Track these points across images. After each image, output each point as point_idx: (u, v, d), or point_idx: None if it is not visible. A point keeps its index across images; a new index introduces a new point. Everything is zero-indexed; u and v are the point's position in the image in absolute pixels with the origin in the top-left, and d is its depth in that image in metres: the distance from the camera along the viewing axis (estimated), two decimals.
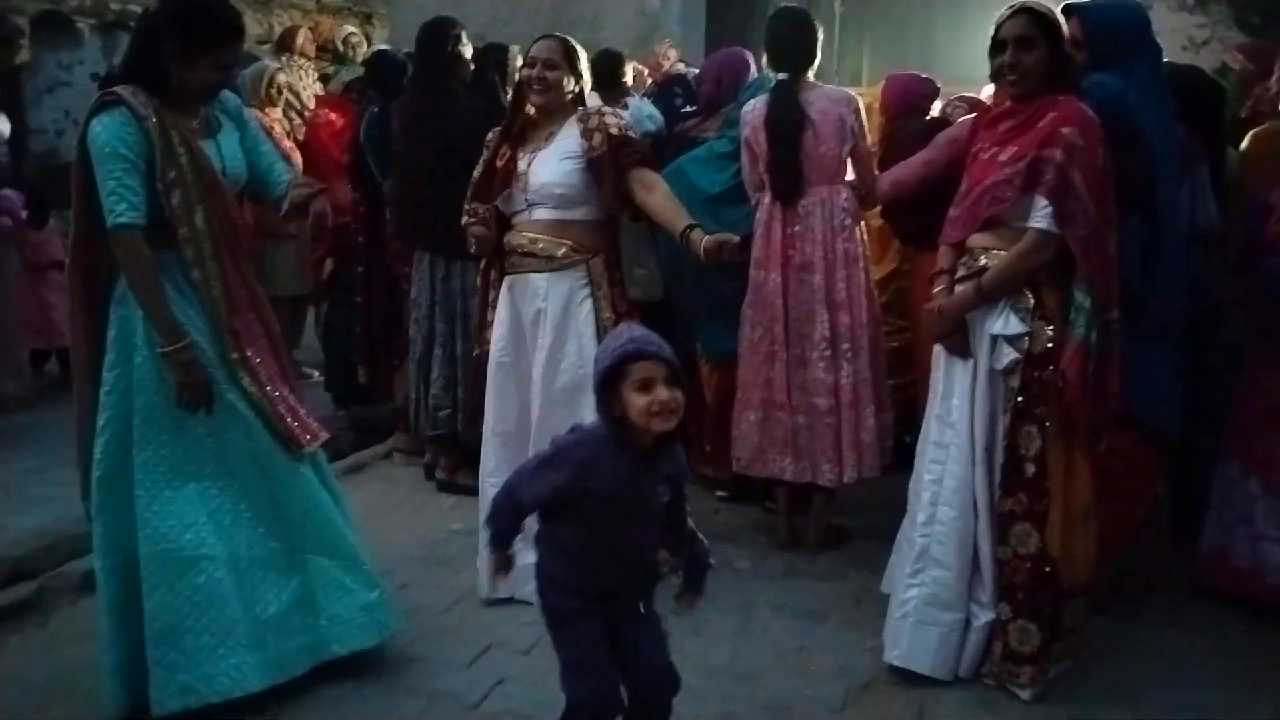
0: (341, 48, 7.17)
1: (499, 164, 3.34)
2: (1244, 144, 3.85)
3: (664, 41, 7.09)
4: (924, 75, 4.32)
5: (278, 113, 5.57)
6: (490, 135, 3.44)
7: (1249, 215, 3.42)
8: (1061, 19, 2.89)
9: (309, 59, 6.96)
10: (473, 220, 3.30)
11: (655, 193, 3.25)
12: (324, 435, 2.96)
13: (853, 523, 4.00)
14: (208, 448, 2.75)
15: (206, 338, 2.72)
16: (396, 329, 4.63)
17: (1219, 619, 3.41)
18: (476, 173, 3.41)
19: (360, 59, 6.68)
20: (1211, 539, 3.53)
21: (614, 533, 2.23)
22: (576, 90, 3.34)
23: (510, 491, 2.28)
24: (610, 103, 4.50)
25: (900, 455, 3.80)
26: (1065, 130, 2.74)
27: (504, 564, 2.38)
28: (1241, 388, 3.50)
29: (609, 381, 2.12)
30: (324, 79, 6.92)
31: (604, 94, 4.55)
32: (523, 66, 3.35)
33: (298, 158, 5.42)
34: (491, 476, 3.40)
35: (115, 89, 2.64)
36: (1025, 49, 2.81)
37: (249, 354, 2.77)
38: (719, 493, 4.34)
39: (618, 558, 2.28)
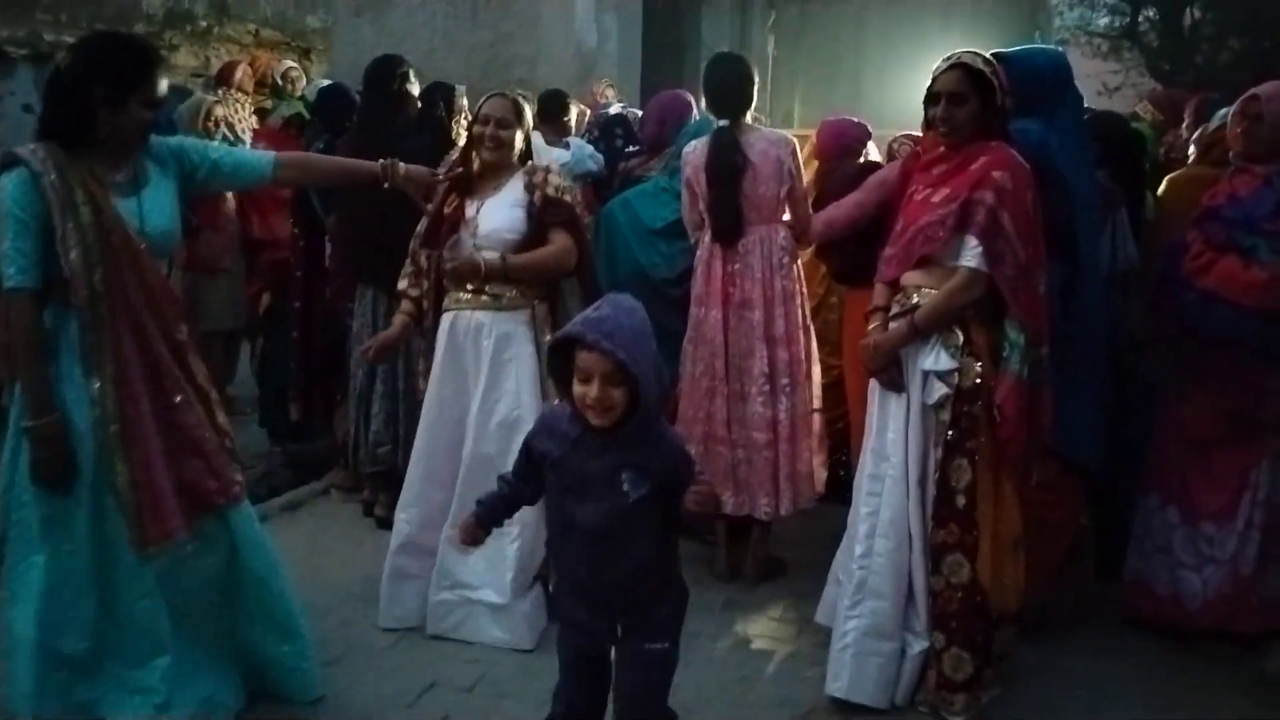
0: (280, 82, 7.13)
1: (446, 211, 3.44)
2: (1160, 188, 4.03)
3: (601, 80, 7.17)
4: (856, 119, 4.45)
5: None
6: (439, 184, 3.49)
7: (1166, 255, 3.57)
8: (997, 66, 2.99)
9: (246, 94, 6.90)
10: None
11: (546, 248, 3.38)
12: (180, 535, 2.66)
13: (789, 555, 4.05)
14: (77, 517, 2.65)
15: (89, 406, 2.59)
16: (336, 365, 4.61)
17: (1142, 645, 3.53)
18: (424, 221, 3.49)
19: (299, 94, 6.66)
20: (1134, 568, 3.65)
21: (569, 510, 2.23)
22: (524, 147, 3.46)
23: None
24: (553, 141, 4.59)
25: (833, 488, 3.89)
26: (996, 174, 2.85)
27: (472, 534, 2.41)
28: (1160, 421, 3.63)
29: (564, 352, 2.15)
30: (260, 113, 6.87)
31: (547, 132, 4.63)
32: (473, 122, 3.45)
33: (226, 196, 5.41)
34: (408, 509, 3.47)
35: (15, 150, 2.57)
36: (957, 104, 2.93)
37: (129, 430, 2.60)
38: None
39: (587, 551, 2.23)
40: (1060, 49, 3.59)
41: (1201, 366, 3.48)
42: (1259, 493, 3.44)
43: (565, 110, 4.94)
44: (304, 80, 7.25)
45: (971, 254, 2.87)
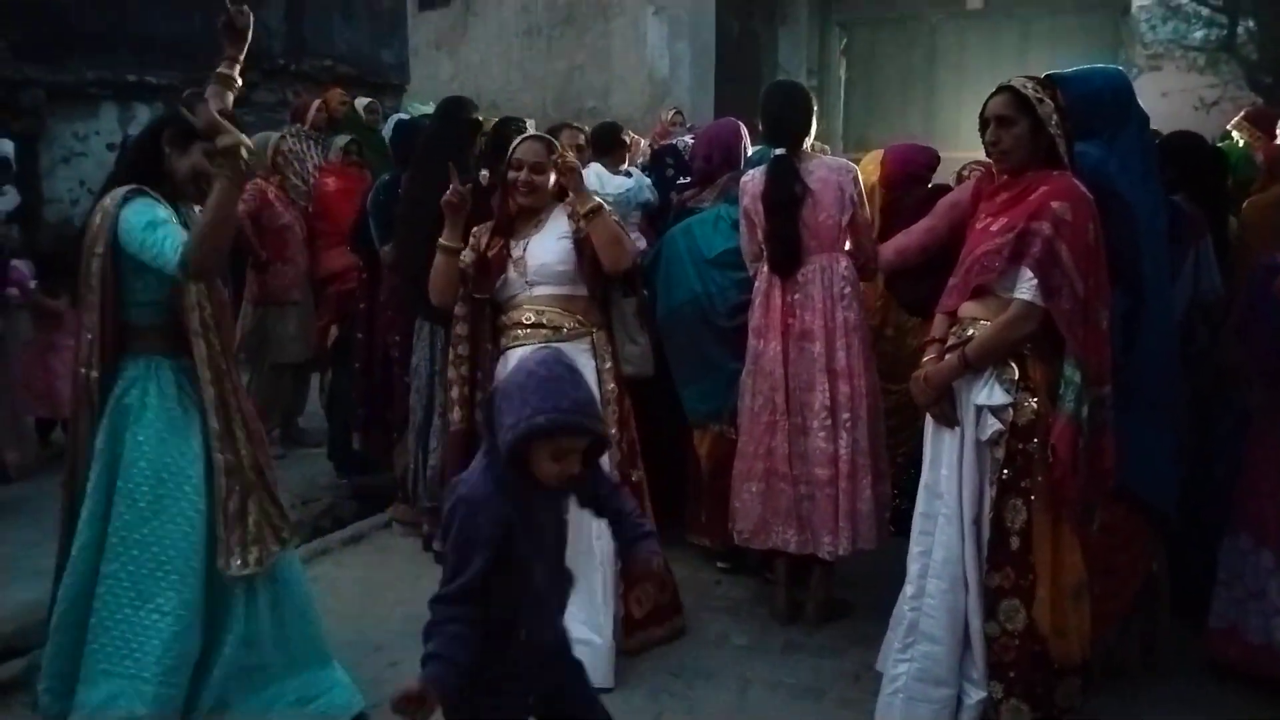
0: (364, 115, 7.22)
1: (490, 254, 3.45)
2: (1243, 211, 3.83)
3: (669, 109, 7.14)
4: (923, 144, 4.32)
5: (277, 179, 5.63)
6: (476, 228, 3.52)
7: (1253, 280, 3.38)
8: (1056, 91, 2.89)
9: (318, 131, 7.05)
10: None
11: None
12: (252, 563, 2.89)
13: (854, 596, 3.92)
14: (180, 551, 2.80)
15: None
16: (391, 398, 4.62)
17: (1230, 698, 3.31)
18: (468, 267, 3.48)
19: (379, 128, 6.77)
20: (1221, 614, 3.43)
21: (530, 573, 2.10)
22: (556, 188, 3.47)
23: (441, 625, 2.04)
24: (612, 171, 4.56)
25: (901, 523, 3.74)
26: (1055, 204, 2.75)
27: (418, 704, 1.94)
28: (1251, 457, 3.42)
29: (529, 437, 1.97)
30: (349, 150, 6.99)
31: (607, 164, 4.61)
32: (507, 167, 3.44)
33: (295, 230, 5.51)
34: None
35: (128, 186, 2.78)
36: (1005, 126, 2.86)
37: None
38: (720, 564, 4.27)
39: (552, 607, 2.22)
40: (1119, 68, 3.41)
41: None
42: None
43: (619, 142, 4.91)
44: (378, 114, 7.38)
45: (1026, 286, 2.76)
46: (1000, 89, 2.90)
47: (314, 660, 3.10)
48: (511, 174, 3.40)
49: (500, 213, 3.49)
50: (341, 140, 6.06)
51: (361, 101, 7.37)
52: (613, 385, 3.43)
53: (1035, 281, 2.74)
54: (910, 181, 4.17)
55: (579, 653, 3.24)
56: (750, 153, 4.08)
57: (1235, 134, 5.26)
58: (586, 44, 9.30)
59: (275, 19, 8.36)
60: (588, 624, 3.28)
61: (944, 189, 3.97)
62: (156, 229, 2.67)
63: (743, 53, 10.53)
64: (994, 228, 2.87)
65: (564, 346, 3.30)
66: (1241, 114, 5.18)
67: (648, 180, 4.54)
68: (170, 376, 2.87)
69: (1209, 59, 15.11)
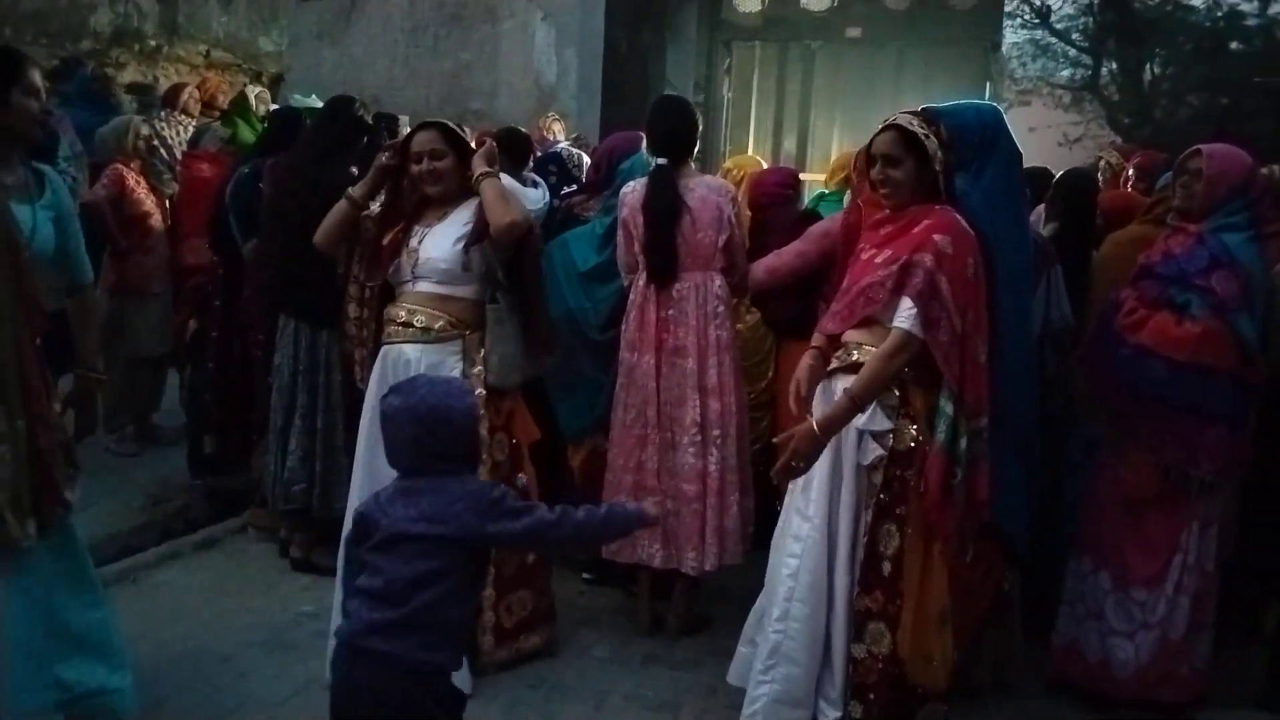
0: (254, 103, 6.94)
1: (386, 241, 3.37)
2: (1102, 247, 3.99)
3: (548, 116, 7.10)
4: (782, 167, 4.42)
5: (140, 167, 5.38)
6: (368, 213, 3.42)
7: (1100, 313, 3.54)
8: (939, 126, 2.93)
9: (191, 116, 6.79)
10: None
11: None
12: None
13: (713, 608, 3.94)
14: None
15: None
16: (251, 399, 4.46)
17: (1070, 714, 3.43)
18: (362, 254, 3.41)
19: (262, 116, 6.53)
20: (1064, 632, 3.56)
21: None
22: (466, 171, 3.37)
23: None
24: (515, 178, 4.48)
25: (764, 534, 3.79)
26: (937, 237, 2.80)
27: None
28: (1093, 482, 3.56)
29: None
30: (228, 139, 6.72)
31: (511, 170, 4.53)
32: (406, 160, 3.35)
33: (156, 218, 5.28)
34: None
35: None
36: (892, 165, 2.89)
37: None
38: (584, 575, 4.25)
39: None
40: (992, 103, 3.51)
41: (1136, 423, 3.40)
42: (1189, 556, 3.37)
43: (528, 148, 4.81)
44: (269, 103, 7.13)
45: (905, 315, 2.79)
46: (886, 127, 2.91)
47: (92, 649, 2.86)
48: (414, 167, 3.31)
49: (393, 202, 3.41)
50: (224, 131, 5.84)
51: (254, 89, 7.09)
52: (482, 390, 3.33)
53: (915, 311, 2.77)
54: (772, 202, 4.23)
55: None
56: (626, 162, 4.06)
57: (1104, 158, 5.55)
58: (473, 44, 9.18)
59: (148, 1, 8.04)
60: None
61: (814, 215, 4.05)
62: None
63: (631, 64, 10.56)
64: (878, 259, 2.91)
65: (432, 348, 3.28)
66: (1113, 145, 5.46)
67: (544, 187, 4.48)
68: None
69: (1074, 97, 15.84)
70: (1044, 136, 13.90)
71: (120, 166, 5.20)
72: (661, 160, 3.68)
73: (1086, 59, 15.44)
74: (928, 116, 2.96)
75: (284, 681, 3.31)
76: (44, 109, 2.83)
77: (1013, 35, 15.05)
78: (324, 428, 4.14)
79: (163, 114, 6.66)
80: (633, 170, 3.95)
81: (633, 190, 3.74)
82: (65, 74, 6.90)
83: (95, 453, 5.26)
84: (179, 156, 6.08)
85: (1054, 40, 15.72)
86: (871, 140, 2.97)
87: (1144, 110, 13.35)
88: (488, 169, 3.30)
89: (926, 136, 2.86)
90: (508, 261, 3.35)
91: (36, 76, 2.71)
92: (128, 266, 5.23)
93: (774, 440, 3.29)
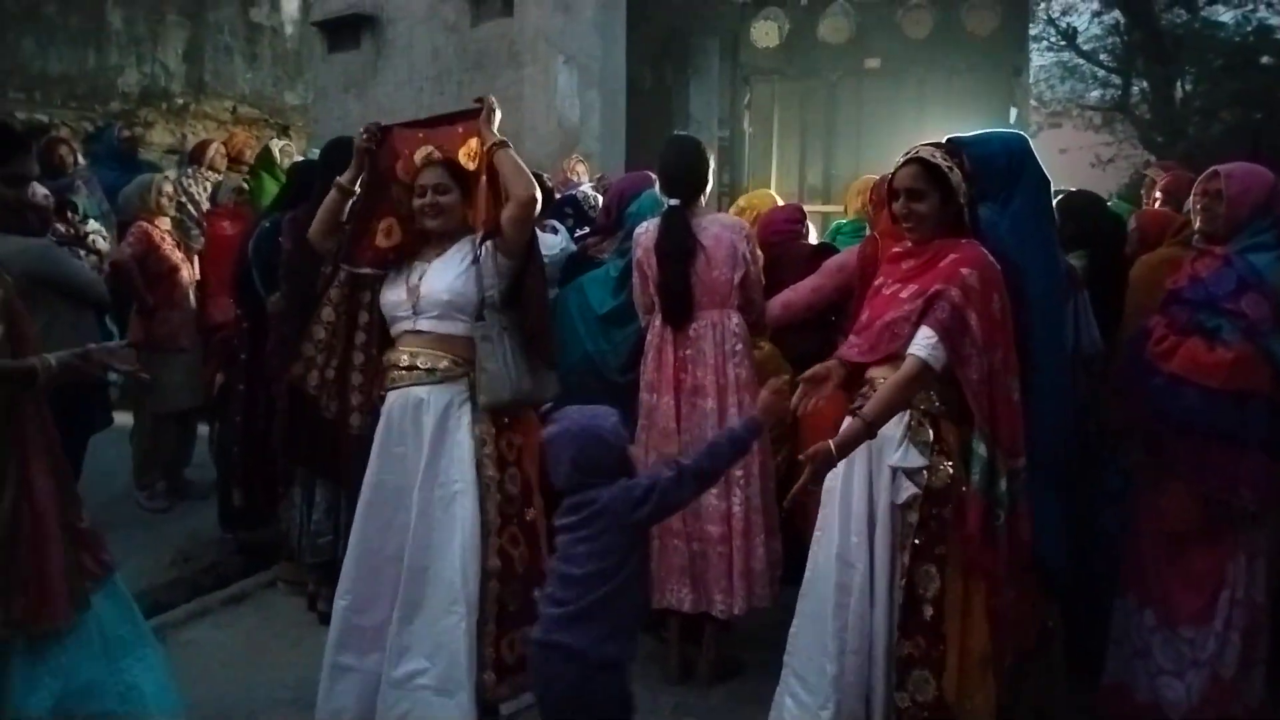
0: (278, 157, 7.03)
1: (379, 239, 3.37)
2: (1133, 270, 3.90)
3: (571, 157, 7.11)
4: (788, 204, 4.39)
5: (166, 224, 5.45)
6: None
7: (1131, 340, 3.44)
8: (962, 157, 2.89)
9: (218, 172, 6.87)
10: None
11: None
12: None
13: (745, 653, 3.84)
14: None
15: None
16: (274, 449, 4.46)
17: None
18: (343, 234, 3.43)
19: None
20: (1113, 672, 3.46)
21: None
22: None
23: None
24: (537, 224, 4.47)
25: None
26: (964, 271, 2.75)
27: None
28: (1134, 516, 3.45)
29: None
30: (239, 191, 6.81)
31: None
32: (411, 195, 3.33)
33: (185, 271, 5.33)
34: (345, 597, 3.31)
35: None
36: (916, 199, 2.85)
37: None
38: None
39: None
40: (1018, 131, 3.45)
41: (1173, 454, 3.30)
42: (1237, 590, 3.25)
43: (550, 193, 4.78)
44: (293, 156, 7.21)
45: (922, 344, 2.73)
46: (909, 160, 2.87)
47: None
48: (417, 202, 3.30)
49: (372, 180, 3.37)
50: (233, 181, 5.90)
51: (277, 143, 7.20)
52: (488, 426, 3.28)
53: (934, 340, 2.71)
54: (782, 239, 4.19)
55: (431, 703, 3.16)
56: (634, 205, 4.03)
57: (1149, 175, 5.45)
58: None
59: (174, 59, 8.18)
60: (439, 673, 3.16)
61: (830, 249, 4.00)
62: None
63: (654, 103, 10.59)
64: (903, 294, 2.85)
65: (440, 388, 3.25)
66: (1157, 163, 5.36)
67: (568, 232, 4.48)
68: None
69: (1104, 118, 15.72)
70: (1076, 158, 13.79)
71: (145, 224, 5.27)
72: (674, 201, 3.65)
73: (1115, 79, 15.37)
74: (950, 147, 2.91)
75: None
76: (19, 200, 2.83)
77: (1039, 58, 15.03)
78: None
79: (189, 170, 6.75)
80: (641, 211, 3.93)
81: (646, 231, 3.71)
82: (94, 135, 7.03)
83: (127, 508, 5.34)
84: (203, 211, 6.15)
85: (1081, 62, 15.64)
86: (894, 174, 2.93)
87: (1177, 128, 13.22)
88: (500, 138, 3.26)
89: (950, 169, 2.81)
90: (515, 270, 3.30)
91: (24, 166, 2.75)
92: (154, 323, 5.28)
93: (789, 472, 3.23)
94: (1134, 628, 3.40)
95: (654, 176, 4.20)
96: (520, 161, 3.25)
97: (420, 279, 3.29)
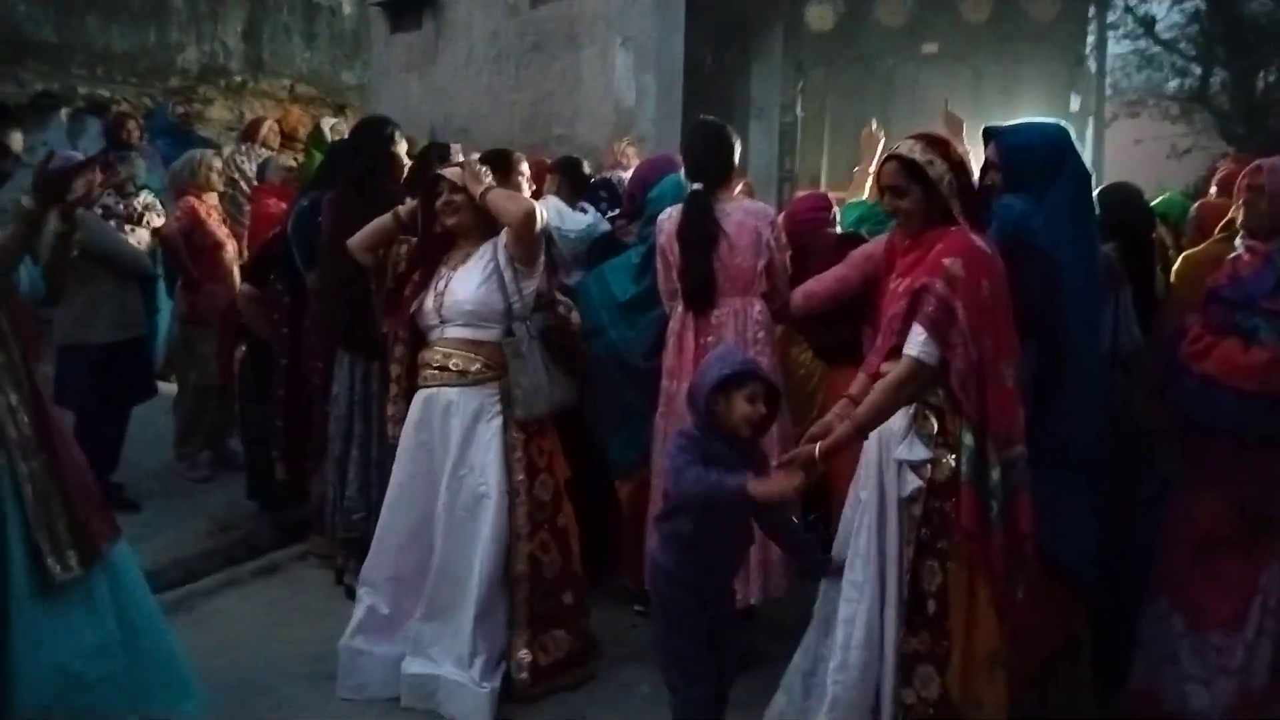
0: (329, 135, 7.13)
1: (415, 278, 3.44)
2: (1176, 264, 3.78)
3: (622, 140, 7.08)
4: (814, 192, 4.31)
5: (214, 199, 5.54)
6: (404, 247, 3.51)
7: (1167, 340, 3.34)
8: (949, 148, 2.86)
9: (272, 149, 6.97)
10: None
11: None
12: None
13: (769, 645, 3.80)
14: None
15: None
16: (309, 426, 4.51)
17: None
18: (382, 287, 3.54)
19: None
20: (1141, 677, 3.36)
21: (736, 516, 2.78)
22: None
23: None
24: (572, 205, 4.49)
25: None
26: (946, 261, 2.69)
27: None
28: (1168, 519, 3.35)
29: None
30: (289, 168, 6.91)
31: (569, 198, 4.54)
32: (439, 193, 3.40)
33: (231, 246, 5.40)
34: (370, 586, 3.45)
35: None
36: (898, 196, 2.82)
37: None
38: (636, 607, 4.16)
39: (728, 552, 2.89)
40: (1059, 123, 3.34)
41: (1207, 457, 3.21)
42: (1270, 598, 3.15)
43: (582, 175, 4.81)
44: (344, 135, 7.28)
45: (915, 342, 2.68)
46: (889, 157, 2.85)
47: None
48: (438, 201, 3.39)
49: (422, 241, 3.46)
50: (283, 159, 5.98)
51: (329, 121, 7.30)
52: (517, 432, 3.37)
53: (925, 338, 2.67)
54: (802, 227, 4.10)
55: (448, 691, 3.23)
56: (655, 190, 4.00)
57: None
58: (555, 72, 9.23)
59: (233, 38, 8.32)
60: (455, 661, 3.27)
61: (856, 238, 3.92)
62: None
63: (717, 87, 10.48)
64: (900, 289, 2.82)
65: (469, 391, 3.32)
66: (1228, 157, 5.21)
67: (601, 215, 4.49)
68: None
69: (1182, 108, 15.21)
70: (1152, 149, 13.39)
71: (192, 199, 5.36)
72: (697, 186, 3.61)
73: (1194, 68, 14.84)
74: (938, 140, 2.86)
75: (319, 716, 3.32)
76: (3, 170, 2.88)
77: (1115, 46, 14.57)
78: (380, 458, 4.14)
79: (243, 147, 6.85)
80: (662, 196, 3.90)
81: (669, 216, 3.69)
82: (152, 112, 7.18)
83: (168, 478, 5.43)
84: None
85: (1159, 50, 15.16)
86: (879, 170, 2.91)
87: (1257, 120, 12.77)
88: (485, 185, 3.33)
89: (930, 162, 2.76)
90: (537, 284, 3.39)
91: (10, 140, 2.82)
92: (199, 296, 5.38)
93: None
94: (1162, 633, 3.31)
95: (679, 160, 4.17)
96: (506, 193, 3.37)
97: (446, 285, 3.37)
